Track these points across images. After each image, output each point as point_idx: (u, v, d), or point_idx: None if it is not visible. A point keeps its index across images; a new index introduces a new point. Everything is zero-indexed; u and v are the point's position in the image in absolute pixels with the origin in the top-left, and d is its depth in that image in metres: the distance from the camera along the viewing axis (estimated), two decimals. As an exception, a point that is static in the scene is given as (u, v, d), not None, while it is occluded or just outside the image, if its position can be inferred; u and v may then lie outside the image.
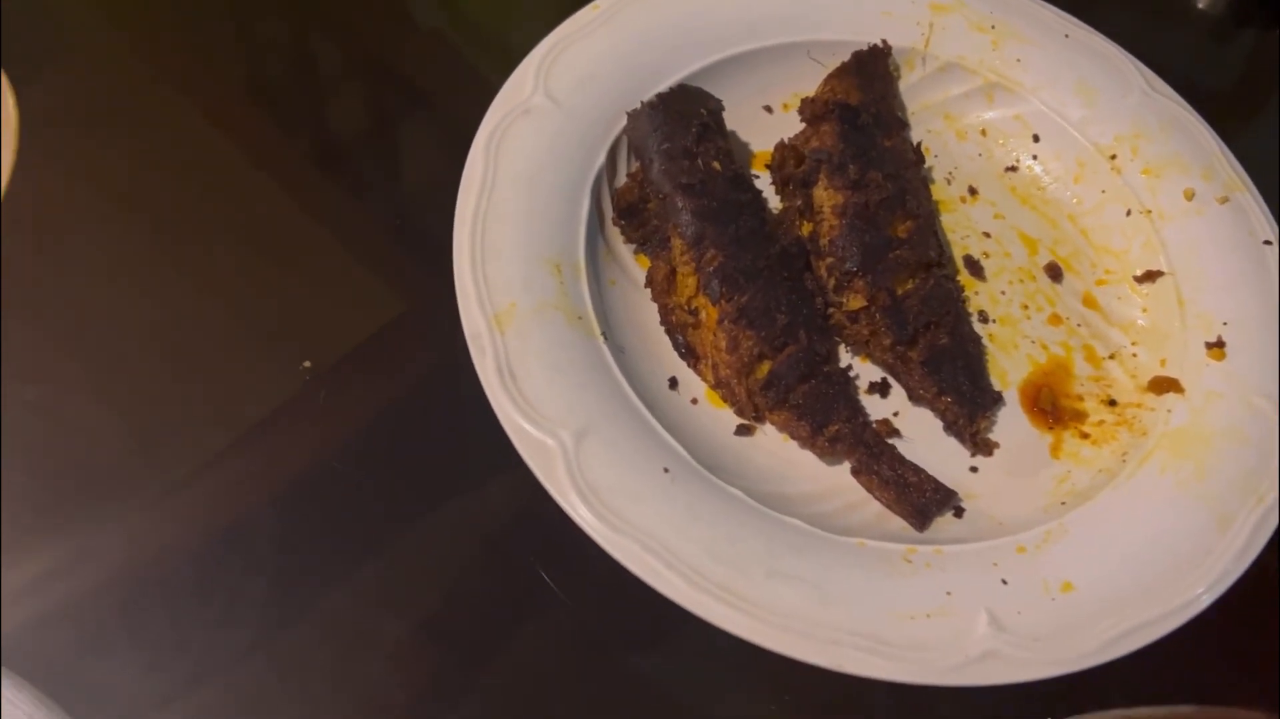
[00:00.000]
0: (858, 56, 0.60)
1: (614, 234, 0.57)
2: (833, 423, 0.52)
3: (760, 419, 0.53)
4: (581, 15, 0.60)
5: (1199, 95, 0.63)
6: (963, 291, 0.58)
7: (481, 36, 0.70)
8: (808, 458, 0.52)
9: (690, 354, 0.54)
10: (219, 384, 0.54)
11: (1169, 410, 0.53)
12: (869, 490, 0.51)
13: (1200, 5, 0.78)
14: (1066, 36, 0.63)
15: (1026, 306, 0.58)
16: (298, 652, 0.48)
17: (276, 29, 0.69)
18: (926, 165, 0.62)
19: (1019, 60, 0.62)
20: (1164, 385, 0.54)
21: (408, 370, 0.55)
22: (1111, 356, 0.57)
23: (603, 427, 0.48)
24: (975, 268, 0.59)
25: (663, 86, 0.59)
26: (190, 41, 0.65)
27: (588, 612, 0.50)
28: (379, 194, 0.62)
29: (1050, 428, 0.55)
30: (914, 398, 0.55)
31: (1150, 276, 0.58)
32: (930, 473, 0.52)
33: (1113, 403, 0.55)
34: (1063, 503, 0.51)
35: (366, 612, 0.49)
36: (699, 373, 0.54)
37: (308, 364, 0.54)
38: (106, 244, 0.57)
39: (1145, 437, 0.53)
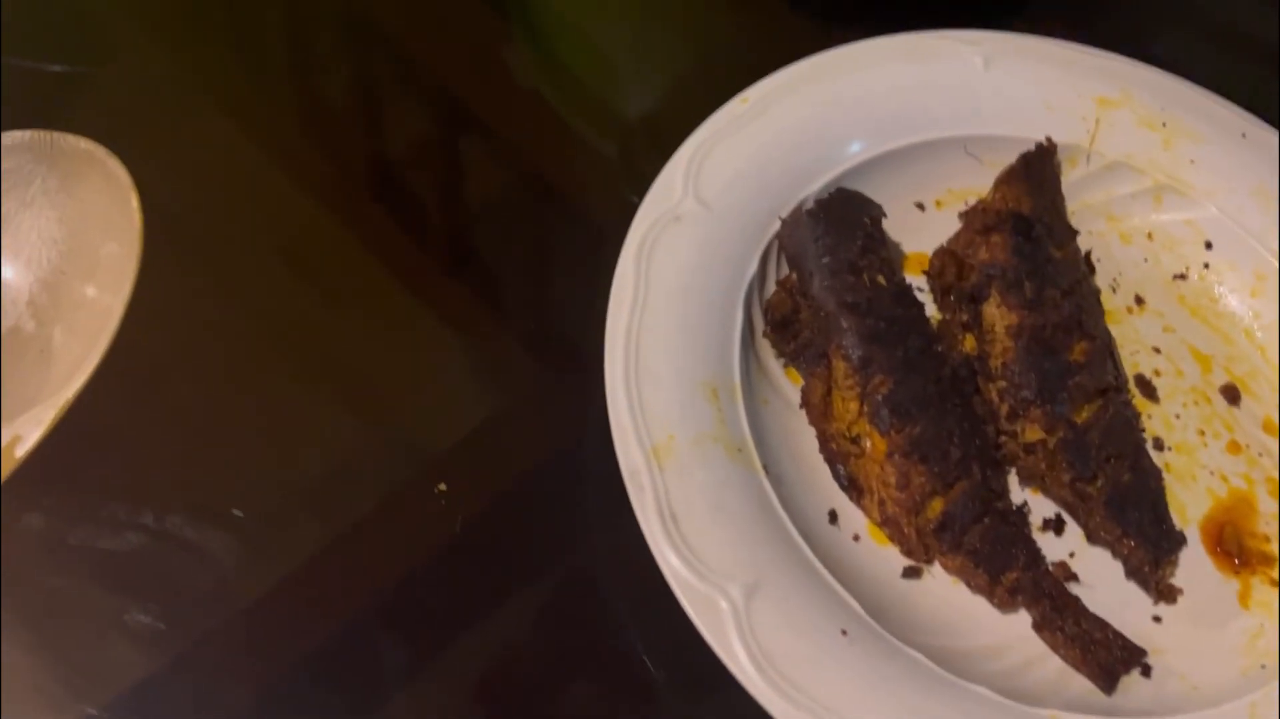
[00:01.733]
0: (1025, 159, 0.56)
1: (764, 348, 0.53)
2: (1012, 570, 0.48)
3: (930, 561, 0.49)
4: (731, 109, 0.56)
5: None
6: (1139, 417, 0.54)
7: (613, 119, 0.66)
8: (979, 605, 0.48)
9: (853, 487, 0.50)
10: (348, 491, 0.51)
11: (1370, 562, 0.49)
12: (1051, 648, 0.47)
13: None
14: (1244, 136, 0.58)
15: (1203, 432, 0.54)
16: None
17: (406, 115, 0.65)
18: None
19: (1192, 161, 0.58)
20: (1363, 532, 0.50)
21: (555, 500, 0.51)
22: (1300, 493, 0.53)
23: (773, 580, 0.45)
24: (1147, 388, 0.55)
25: (814, 186, 0.55)
26: (307, 127, 0.63)
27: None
28: (514, 300, 0.59)
29: (1237, 572, 0.51)
30: (1093, 539, 0.50)
31: (1339, 404, 0.54)
32: (1112, 624, 0.48)
33: (1304, 545, 0.51)
34: (1263, 666, 0.47)
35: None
36: (862, 508, 0.50)
37: (443, 487, 0.50)
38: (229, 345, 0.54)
39: (1347, 590, 0.49)
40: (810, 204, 0.53)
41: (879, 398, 0.49)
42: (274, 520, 0.50)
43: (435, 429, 0.54)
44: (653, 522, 0.45)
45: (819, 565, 0.46)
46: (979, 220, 0.54)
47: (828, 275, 0.51)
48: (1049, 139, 0.58)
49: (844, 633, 0.44)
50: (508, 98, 0.65)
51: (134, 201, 0.48)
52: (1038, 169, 0.56)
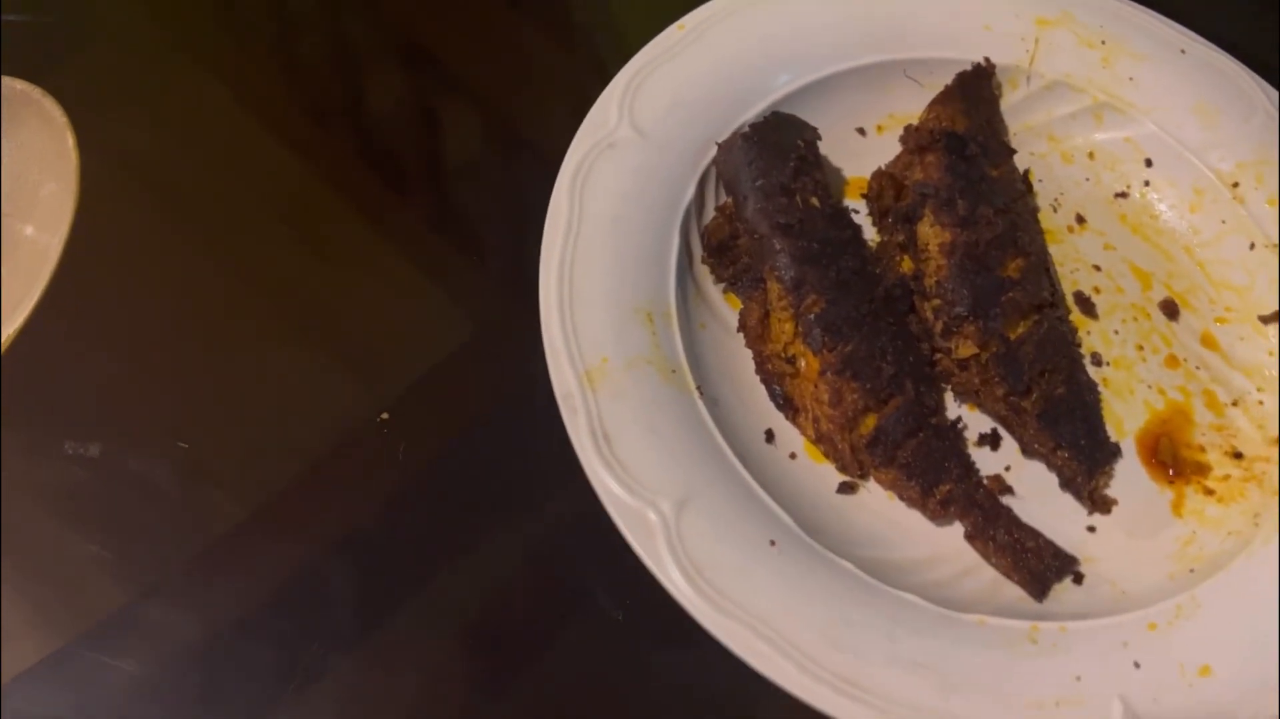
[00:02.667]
0: (961, 79, 0.56)
1: (702, 273, 0.53)
2: (944, 483, 0.48)
3: (865, 476, 0.50)
4: (666, 37, 0.56)
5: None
6: (1075, 333, 0.54)
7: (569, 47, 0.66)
8: (915, 518, 0.49)
9: (789, 406, 0.51)
10: (294, 423, 0.52)
11: (1303, 468, 0.50)
12: (984, 556, 0.48)
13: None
14: (1183, 52, 0.58)
15: (1142, 347, 0.55)
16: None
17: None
18: (1032, 192, 0.58)
19: (1131, 79, 0.58)
20: (1296, 442, 0.51)
21: (493, 421, 0.52)
22: (1235, 403, 0.53)
23: (703, 494, 0.45)
24: (1086, 305, 0.55)
25: (752, 113, 0.55)
26: (265, 61, 0.63)
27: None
28: (459, 221, 0.59)
29: (1171, 482, 0.51)
30: (1028, 452, 0.51)
31: (1277, 317, 0.54)
32: (1046, 534, 0.49)
33: (1238, 455, 0.52)
34: (1191, 570, 0.48)
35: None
36: (798, 426, 0.51)
37: (385, 416, 0.51)
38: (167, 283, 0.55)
39: (1275, 497, 0.50)
40: (745, 128, 0.53)
41: (811, 317, 0.49)
42: (218, 452, 0.51)
43: (381, 360, 0.54)
44: (585, 442, 0.45)
45: (750, 480, 0.46)
46: (913, 140, 0.54)
47: (761, 198, 0.51)
48: (987, 59, 0.58)
49: (773, 543, 0.45)
50: (447, 24, 0.65)
51: (70, 140, 0.49)
52: (973, 89, 0.56)
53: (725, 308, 0.53)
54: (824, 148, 0.58)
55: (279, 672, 0.46)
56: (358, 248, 0.57)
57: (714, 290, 0.54)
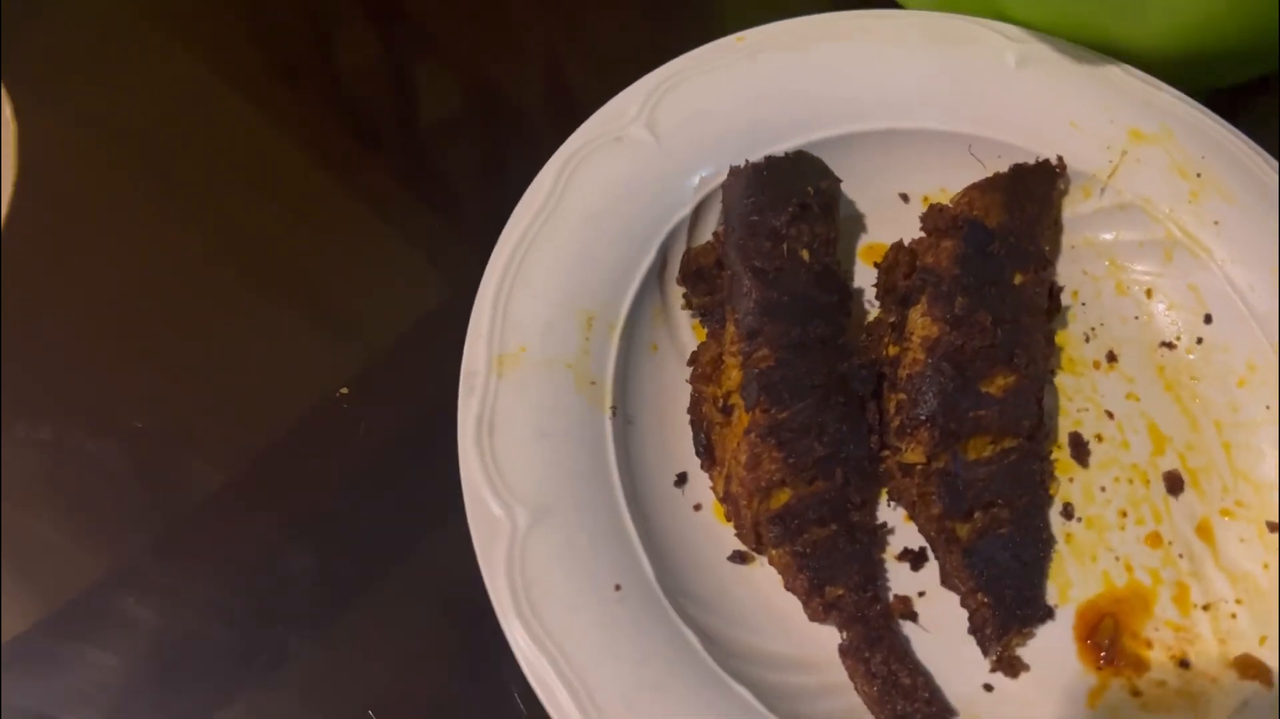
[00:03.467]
0: (1017, 171, 0.51)
1: (674, 295, 0.51)
2: (836, 585, 0.44)
3: (760, 549, 0.46)
4: (720, 45, 0.53)
5: None
6: (1052, 477, 0.49)
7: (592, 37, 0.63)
8: (797, 612, 0.45)
9: (708, 455, 0.48)
10: (254, 399, 0.51)
11: (1245, 703, 0.43)
12: (851, 677, 0.44)
13: None
14: (1284, 209, 0.51)
15: (1125, 514, 0.49)
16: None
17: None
18: (1069, 312, 0.53)
19: (1216, 222, 0.51)
20: (1252, 669, 0.44)
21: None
22: (1206, 607, 0.47)
23: (567, 514, 0.43)
24: (1080, 450, 0.50)
25: (785, 146, 0.52)
26: (230, 18, 0.62)
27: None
28: (435, 186, 0.58)
29: (1099, 668, 0.46)
30: (946, 582, 0.46)
31: (1289, 529, 0.47)
32: (936, 677, 0.44)
33: (1185, 664, 0.46)
34: (1074, 769, 0.43)
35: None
36: (711, 478, 0.47)
37: (345, 390, 0.50)
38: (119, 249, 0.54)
39: (1204, 724, 0.43)
40: (762, 159, 0.50)
41: (755, 371, 0.46)
42: (176, 431, 0.50)
43: (345, 341, 0.53)
44: (469, 425, 0.44)
45: (624, 511, 0.44)
46: (934, 220, 0.50)
47: (745, 233, 0.48)
48: (1060, 159, 0.52)
49: (617, 588, 0.42)
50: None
51: (7, 110, 0.48)
52: (1026, 184, 0.51)
53: (689, 336, 0.51)
54: (860, 205, 0.54)
55: (243, 654, 0.45)
56: (324, 212, 0.56)
57: (682, 316, 0.51)
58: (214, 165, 0.56)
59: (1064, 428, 0.50)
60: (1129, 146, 0.53)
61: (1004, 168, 0.52)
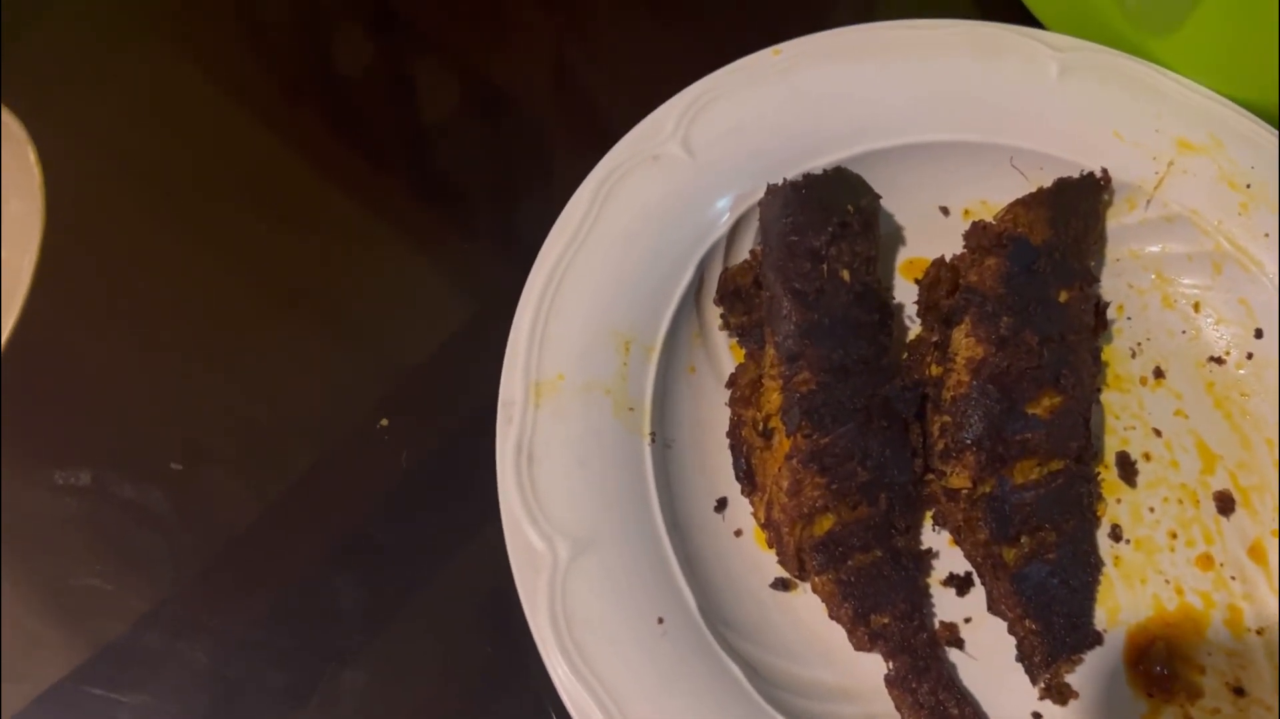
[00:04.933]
0: (1061, 185, 0.50)
1: (712, 315, 0.50)
2: (882, 614, 0.44)
3: (803, 576, 0.46)
4: (755, 59, 0.52)
5: None
6: (1100, 498, 0.48)
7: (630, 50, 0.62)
8: (841, 640, 0.45)
9: (749, 480, 0.47)
10: (290, 433, 0.51)
11: (1303, 734, 0.42)
12: (897, 707, 0.43)
13: None
14: (1340, 221, 0.50)
15: (1175, 535, 0.48)
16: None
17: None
18: (1114, 327, 0.51)
19: (1268, 235, 0.50)
20: (1310, 699, 0.43)
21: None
22: (1260, 632, 0.46)
23: (608, 546, 0.42)
24: (1128, 470, 0.49)
25: (824, 162, 0.51)
26: (231, 34, 0.61)
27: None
28: (448, 192, 0.56)
29: (1150, 694, 0.45)
30: (993, 609, 0.46)
31: (1345, 551, 0.46)
32: (983, 706, 0.44)
33: (1240, 692, 0.45)
34: (1130, 802, 0.42)
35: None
36: (752, 503, 0.47)
37: (385, 422, 0.50)
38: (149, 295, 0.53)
39: (1262, 755, 0.42)
40: (799, 177, 0.49)
41: (796, 395, 0.45)
42: (212, 470, 0.49)
43: (377, 366, 0.52)
44: (507, 456, 0.43)
45: (668, 547, 0.43)
46: (977, 238, 0.49)
47: (784, 255, 0.47)
48: (1104, 171, 0.51)
49: (660, 621, 0.41)
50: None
51: (32, 156, 0.48)
52: (1071, 198, 0.50)
53: (727, 358, 0.50)
54: (900, 219, 0.53)
55: (293, 691, 0.45)
56: (342, 230, 0.55)
57: (720, 337, 0.50)
58: (228, 189, 0.56)
59: (1111, 447, 0.49)
60: (1176, 157, 0.51)
61: (1046, 180, 0.51)
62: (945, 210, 0.53)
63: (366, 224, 0.55)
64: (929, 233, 0.53)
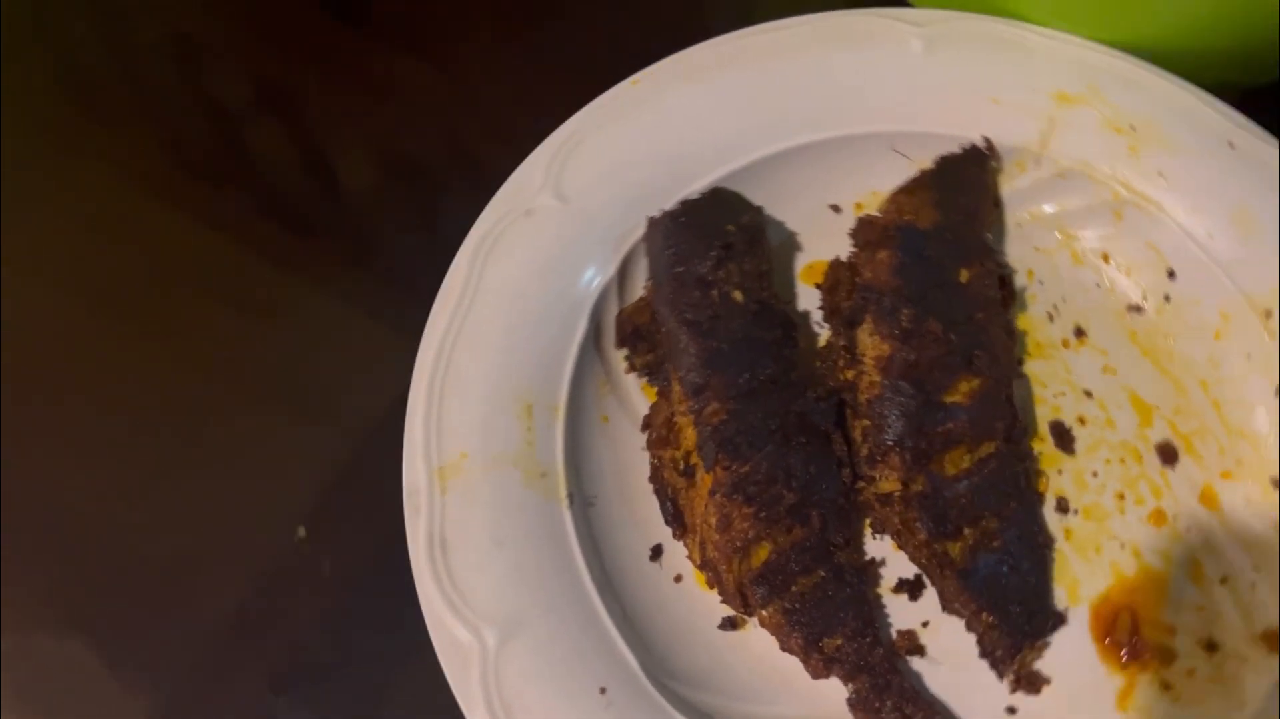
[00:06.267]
0: (943, 164, 0.49)
1: (617, 360, 0.49)
2: (833, 636, 0.42)
3: (749, 612, 0.44)
4: (614, 94, 0.51)
5: None
6: (1038, 473, 0.47)
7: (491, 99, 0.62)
8: (800, 669, 0.43)
9: (678, 522, 0.46)
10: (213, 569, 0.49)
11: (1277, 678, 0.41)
12: (864, 730, 0.42)
13: None
14: (1232, 146, 0.49)
15: (1123, 496, 0.47)
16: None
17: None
18: (1027, 293, 0.50)
19: (1161, 174, 0.49)
20: (1282, 643, 0.42)
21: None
22: (1223, 581, 0.44)
23: (538, 624, 0.41)
24: (1063, 437, 0.48)
25: (704, 183, 0.50)
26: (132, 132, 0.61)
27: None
28: (375, 264, 0.56)
29: (1124, 667, 0.43)
30: (948, 608, 0.44)
31: (1293, 482, 0.45)
32: (954, 711, 0.42)
33: (1212, 647, 0.43)
34: (1115, 784, 0.40)
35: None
36: (686, 545, 0.45)
37: (303, 532, 0.48)
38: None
39: (1242, 710, 0.41)
40: (677, 206, 0.48)
41: (708, 428, 0.44)
42: (138, 615, 0.48)
43: (285, 471, 0.51)
44: (420, 549, 0.42)
45: (600, 610, 0.42)
46: (864, 234, 0.47)
47: (673, 288, 0.46)
48: (986, 139, 0.50)
49: (602, 691, 0.40)
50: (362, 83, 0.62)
51: None
52: (955, 175, 0.49)
53: (640, 400, 0.49)
54: (792, 224, 0.52)
55: None
56: (270, 312, 0.55)
57: (629, 380, 0.49)
58: (160, 283, 0.56)
59: (1043, 417, 0.48)
60: (1056, 112, 0.50)
61: (931, 160, 0.50)
62: (836, 208, 0.52)
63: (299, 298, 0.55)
64: (823, 234, 0.52)
